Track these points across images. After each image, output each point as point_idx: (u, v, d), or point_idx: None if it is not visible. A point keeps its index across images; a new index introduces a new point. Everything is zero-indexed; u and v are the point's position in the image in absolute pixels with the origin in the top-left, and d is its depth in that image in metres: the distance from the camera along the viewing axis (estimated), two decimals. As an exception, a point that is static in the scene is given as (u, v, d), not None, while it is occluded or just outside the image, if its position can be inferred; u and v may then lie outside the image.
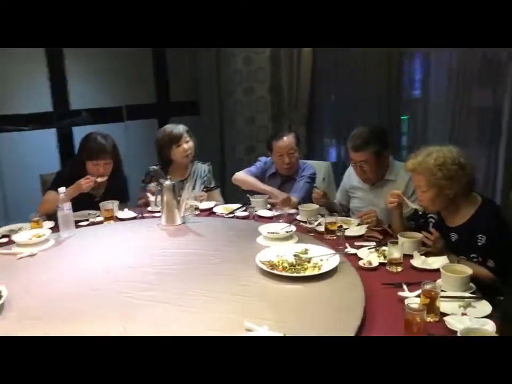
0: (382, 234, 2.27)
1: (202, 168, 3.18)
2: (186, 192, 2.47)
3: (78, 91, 4.38)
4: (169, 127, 3.10)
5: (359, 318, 1.47)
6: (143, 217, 2.72)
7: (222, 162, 4.87)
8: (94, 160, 2.78)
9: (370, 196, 2.62)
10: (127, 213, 2.76)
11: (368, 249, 2.08)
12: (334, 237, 2.22)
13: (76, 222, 2.64)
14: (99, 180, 2.78)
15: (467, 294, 1.65)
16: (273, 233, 2.20)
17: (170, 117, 4.99)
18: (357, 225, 2.38)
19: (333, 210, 2.60)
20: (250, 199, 2.77)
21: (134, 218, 2.72)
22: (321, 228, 2.34)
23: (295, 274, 1.76)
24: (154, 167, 3.15)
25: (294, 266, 1.82)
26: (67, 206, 2.36)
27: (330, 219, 2.28)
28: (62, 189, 2.36)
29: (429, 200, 2.04)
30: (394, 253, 1.89)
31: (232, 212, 2.69)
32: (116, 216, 2.72)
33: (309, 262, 1.88)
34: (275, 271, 1.79)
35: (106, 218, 2.66)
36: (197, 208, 2.76)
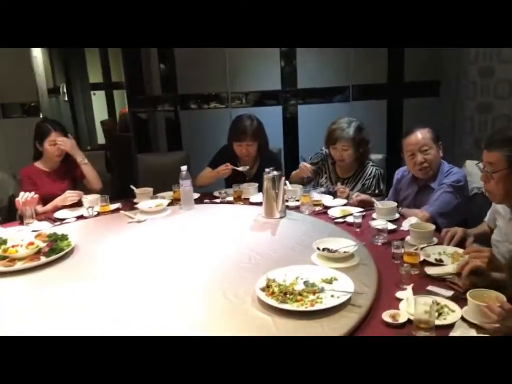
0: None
1: (371, 170, 2.89)
2: (282, 187, 2.35)
3: (306, 70, 4.50)
4: (338, 123, 2.86)
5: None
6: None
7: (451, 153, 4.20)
8: (238, 141, 2.96)
9: (508, 227, 1.88)
10: (258, 196, 2.80)
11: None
12: (404, 272, 1.74)
13: (213, 197, 2.90)
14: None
15: None
16: (323, 250, 1.89)
17: (403, 98, 4.60)
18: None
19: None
20: (375, 204, 2.39)
21: (260, 203, 2.74)
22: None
23: (274, 303, 1.51)
24: (326, 151, 3.02)
25: (286, 294, 1.56)
26: (186, 183, 2.60)
27: (410, 248, 1.79)
28: (184, 167, 2.60)
29: None
30: (422, 313, 1.39)
31: (343, 216, 2.38)
32: (247, 199, 2.81)
33: (313, 293, 1.57)
34: (262, 294, 1.58)
35: (235, 199, 2.79)
36: (317, 205, 2.57)
